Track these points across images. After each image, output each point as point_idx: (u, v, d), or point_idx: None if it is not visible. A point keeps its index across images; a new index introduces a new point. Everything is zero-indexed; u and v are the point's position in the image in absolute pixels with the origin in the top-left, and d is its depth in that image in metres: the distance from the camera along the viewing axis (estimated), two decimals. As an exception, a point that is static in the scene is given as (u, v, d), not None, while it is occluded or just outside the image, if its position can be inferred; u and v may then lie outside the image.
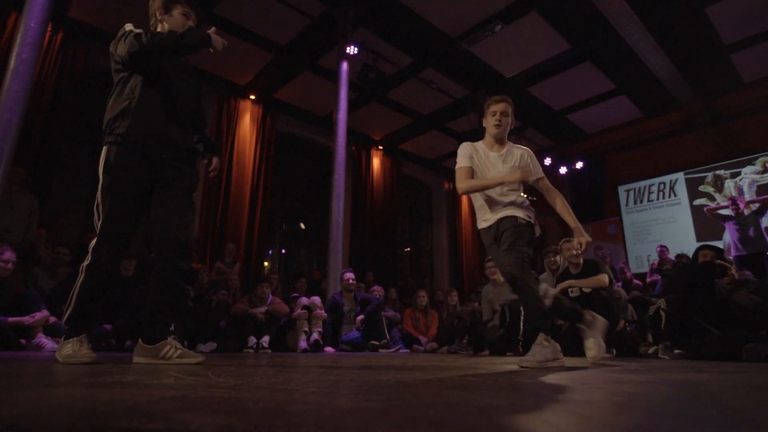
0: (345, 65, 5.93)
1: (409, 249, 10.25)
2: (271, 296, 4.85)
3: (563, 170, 9.32)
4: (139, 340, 1.91)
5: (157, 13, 2.05)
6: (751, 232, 6.08)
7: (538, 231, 2.36)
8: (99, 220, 1.86)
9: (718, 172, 7.88)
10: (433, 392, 1.01)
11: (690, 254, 4.81)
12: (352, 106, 6.78)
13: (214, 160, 2.21)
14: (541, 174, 2.48)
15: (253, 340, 4.39)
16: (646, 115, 8.36)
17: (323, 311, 4.83)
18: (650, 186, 8.78)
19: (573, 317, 2.51)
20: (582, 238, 2.34)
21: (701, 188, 8.07)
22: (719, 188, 7.81)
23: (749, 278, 3.95)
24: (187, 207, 2.01)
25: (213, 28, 2.04)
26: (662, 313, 3.66)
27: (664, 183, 8.60)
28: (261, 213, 7.02)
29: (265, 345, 4.39)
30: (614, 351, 3.84)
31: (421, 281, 8.98)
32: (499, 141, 2.49)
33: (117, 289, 3.91)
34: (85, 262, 1.84)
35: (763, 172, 7.37)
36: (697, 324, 3.40)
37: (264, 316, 4.61)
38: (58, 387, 0.99)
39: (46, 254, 4.37)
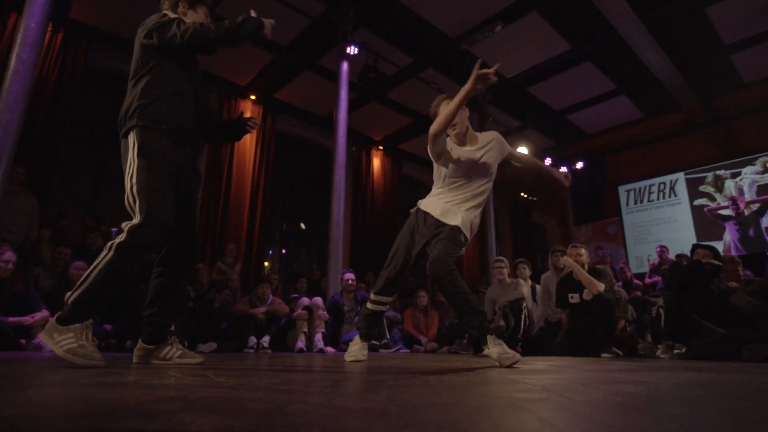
0: (345, 65, 5.93)
1: (409, 249, 10.23)
2: (271, 296, 4.86)
3: (563, 170, 9.33)
4: (140, 341, 1.91)
5: (181, 5, 2.00)
6: (751, 232, 6.09)
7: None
8: (136, 202, 1.69)
9: (718, 172, 7.88)
10: (433, 392, 1.01)
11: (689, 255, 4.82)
12: (352, 106, 6.79)
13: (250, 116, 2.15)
14: (512, 149, 2.48)
15: (253, 340, 4.39)
16: (647, 115, 8.36)
17: (325, 312, 4.84)
18: (650, 186, 8.79)
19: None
20: (560, 174, 2.61)
21: (701, 188, 8.07)
22: (719, 188, 7.81)
23: (752, 279, 3.96)
24: (196, 209, 1.98)
25: (252, 12, 1.95)
26: (661, 310, 3.67)
27: (664, 183, 8.60)
28: (261, 213, 7.02)
29: (266, 345, 4.39)
30: (620, 352, 3.84)
31: (421, 281, 8.98)
32: (464, 136, 2.37)
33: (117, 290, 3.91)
34: (118, 239, 1.65)
35: (763, 172, 7.37)
36: (695, 322, 3.40)
37: (264, 316, 4.61)
38: (58, 387, 0.99)
39: (48, 254, 4.37)
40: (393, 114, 8.17)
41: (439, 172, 2.39)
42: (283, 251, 8.35)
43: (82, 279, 1.62)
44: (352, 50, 5.80)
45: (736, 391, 1.16)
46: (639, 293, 5.41)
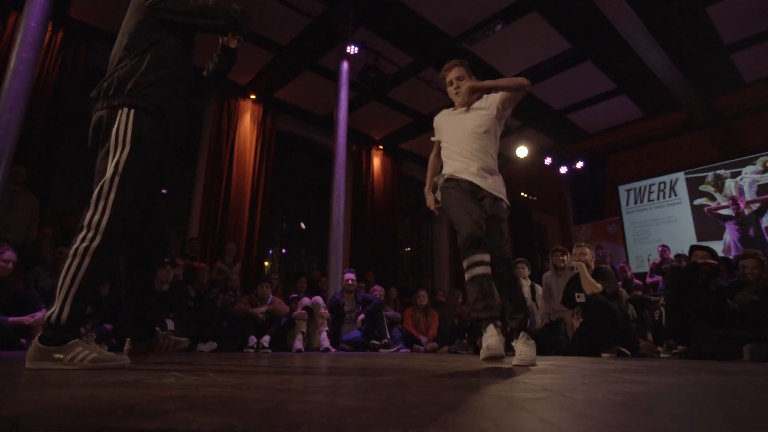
0: (345, 65, 5.93)
1: (409, 249, 10.26)
2: (271, 296, 4.86)
3: (563, 170, 9.33)
4: (129, 340, 1.84)
5: None
6: (751, 231, 6.08)
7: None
8: (111, 193, 1.54)
9: (718, 171, 7.88)
10: (433, 392, 1.01)
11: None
12: (352, 105, 6.78)
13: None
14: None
15: (253, 339, 4.39)
16: (647, 114, 8.35)
17: (327, 311, 4.84)
18: (650, 186, 8.79)
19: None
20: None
21: (701, 188, 8.07)
22: (719, 188, 7.81)
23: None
24: (160, 194, 1.91)
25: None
26: (662, 309, 3.68)
27: (664, 183, 8.60)
28: (261, 213, 7.02)
29: (266, 345, 4.39)
30: (628, 352, 3.82)
31: (421, 281, 9.00)
32: (467, 106, 2.36)
33: (117, 289, 3.91)
34: (93, 243, 1.50)
35: (763, 172, 7.37)
36: (695, 322, 3.41)
37: (264, 315, 4.61)
38: (58, 387, 0.99)
39: (49, 253, 4.37)
40: (393, 113, 8.16)
41: (496, 132, 2.35)
42: (283, 251, 8.35)
43: (64, 295, 1.47)
44: (352, 50, 5.79)
45: (736, 391, 1.16)
46: (639, 293, 5.42)
